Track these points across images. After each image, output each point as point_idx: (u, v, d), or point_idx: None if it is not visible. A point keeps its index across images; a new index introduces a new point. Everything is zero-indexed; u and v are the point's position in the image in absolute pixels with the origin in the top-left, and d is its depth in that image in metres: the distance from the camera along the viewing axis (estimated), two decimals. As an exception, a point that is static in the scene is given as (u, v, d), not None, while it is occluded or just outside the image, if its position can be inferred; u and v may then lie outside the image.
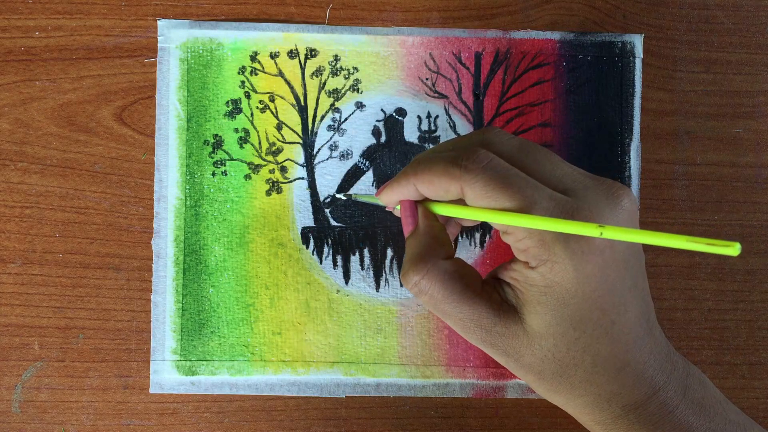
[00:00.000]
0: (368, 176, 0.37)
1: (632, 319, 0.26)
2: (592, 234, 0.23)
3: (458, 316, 0.27)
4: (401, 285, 0.37)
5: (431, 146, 0.37)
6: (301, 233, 0.37)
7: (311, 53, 0.37)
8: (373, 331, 0.37)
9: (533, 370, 0.27)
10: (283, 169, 0.37)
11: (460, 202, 0.28)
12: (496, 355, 0.28)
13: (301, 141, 0.37)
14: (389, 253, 0.37)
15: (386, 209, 0.35)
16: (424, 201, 0.29)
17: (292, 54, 0.37)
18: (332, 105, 0.37)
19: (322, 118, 0.37)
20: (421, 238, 0.29)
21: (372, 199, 0.33)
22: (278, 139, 0.37)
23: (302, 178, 0.37)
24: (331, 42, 0.37)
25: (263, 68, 0.37)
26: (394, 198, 0.30)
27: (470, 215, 0.27)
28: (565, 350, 0.26)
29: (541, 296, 0.26)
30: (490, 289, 0.28)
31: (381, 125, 0.38)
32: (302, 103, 0.37)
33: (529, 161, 0.27)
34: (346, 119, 0.37)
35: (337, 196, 0.37)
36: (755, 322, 0.38)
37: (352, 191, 0.37)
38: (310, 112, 0.37)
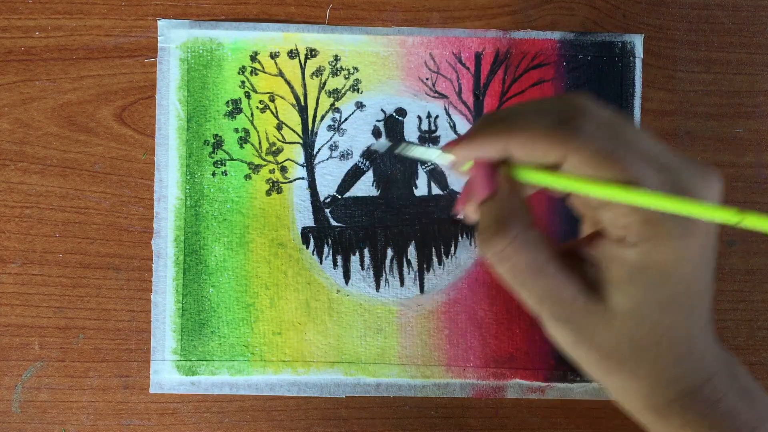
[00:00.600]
0: (368, 176, 0.37)
1: (706, 305, 0.26)
2: (729, 221, 0.21)
3: (537, 289, 0.25)
4: (400, 284, 0.37)
5: (431, 146, 0.37)
6: (302, 233, 0.37)
7: (311, 53, 0.37)
8: (374, 331, 0.37)
9: (602, 350, 0.25)
10: (283, 169, 0.37)
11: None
12: (565, 333, 0.26)
13: (301, 141, 0.37)
14: (389, 253, 0.37)
15: (447, 168, 0.29)
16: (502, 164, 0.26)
17: (292, 54, 0.37)
18: (332, 105, 0.37)
19: (322, 118, 0.37)
20: (505, 202, 0.26)
21: (425, 154, 0.28)
22: (278, 139, 0.37)
23: (302, 178, 0.37)
24: (331, 42, 0.37)
25: (263, 68, 0.37)
26: (472, 155, 0.26)
27: (573, 187, 0.24)
28: (645, 332, 0.25)
29: (635, 274, 0.24)
30: (569, 263, 0.26)
31: (381, 125, 0.37)
32: (302, 103, 0.37)
33: (627, 133, 0.24)
34: (346, 119, 0.37)
35: (373, 148, 0.34)
36: (755, 322, 0.38)
37: (352, 191, 0.37)
38: (310, 112, 0.37)
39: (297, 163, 0.37)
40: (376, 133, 0.37)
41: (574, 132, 0.24)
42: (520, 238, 0.25)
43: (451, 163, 0.27)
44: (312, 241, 0.37)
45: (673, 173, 0.24)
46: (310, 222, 0.37)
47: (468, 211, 0.28)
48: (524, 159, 0.25)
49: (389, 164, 0.37)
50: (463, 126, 0.37)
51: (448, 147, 0.27)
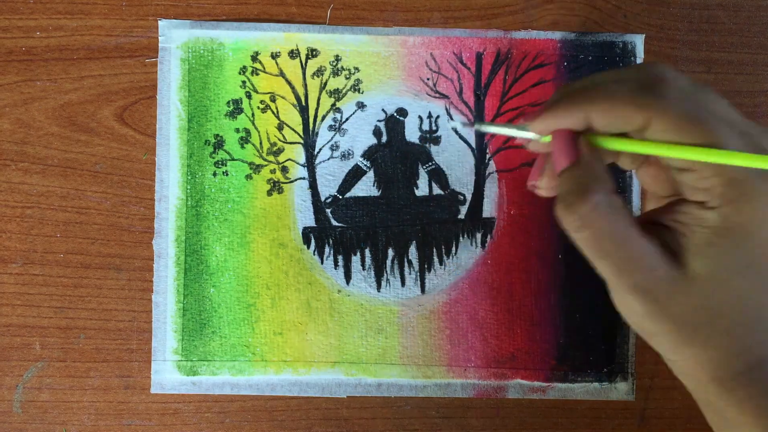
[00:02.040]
0: (369, 176, 0.37)
1: None
2: None
3: (619, 255, 0.25)
4: (401, 285, 0.37)
5: (432, 146, 0.37)
6: (303, 233, 0.37)
7: (312, 53, 0.37)
8: (375, 332, 0.37)
9: (679, 319, 0.25)
10: (284, 169, 0.37)
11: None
12: (641, 303, 0.25)
13: (302, 141, 0.37)
14: (390, 253, 0.37)
15: (522, 141, 0.29)
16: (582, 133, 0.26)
17: (293, 54, 0.37)
18: (333, 105, 0.37)
19: (323, 118, 0.37)
20: (586, 168, 0.26)
21: (502, 129, 0.28)
22: (279, 139, 0.37)
23: (303, 178, 0.37)
24: (332, 42, 0.37)
25: (264, 68, 0.37)
26: (553, 125, 0.26)
27: (657, 151, 0.24)
28: (721, 298, 0.25)
29: (716, 238, 0.24)
30: (648, 231, 0.26)
31: (382, 125, 0.37)
32: (303, 103, 0.37)
33: (707, 99, 0.25)
34: (347, 119, 0.37)
35: (451, 124, 0.33)
36: (756, 322, 0.38)
37: (352, 191, 0.37)
38: (311, 112, 0.37)
39: (298, 163, 0.37)
40: (377, 132, 0.37)
41: (656, 97, 0.24)
42: (604, 203, 0.25)
43: (532, 138, 0.27)
44: (313, 241, 0.37)
45: (754, 137, 0.24)
46: (311, 222, 0.37)
47: (542, 183, 0.28)
48: (607, 127, 0.25)
49: (390, 164, 0.37)
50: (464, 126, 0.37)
51: (529, 120, 0.27)
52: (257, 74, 0.37)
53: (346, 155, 0.37)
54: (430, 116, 0.37)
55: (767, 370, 0.26)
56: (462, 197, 0.37)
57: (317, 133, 0.37)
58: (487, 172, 0.37)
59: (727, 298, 0.25)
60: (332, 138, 0.37)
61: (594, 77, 0.27)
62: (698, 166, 0.24)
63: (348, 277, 0.37)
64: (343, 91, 0.37)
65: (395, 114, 0.37)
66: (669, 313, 0.26)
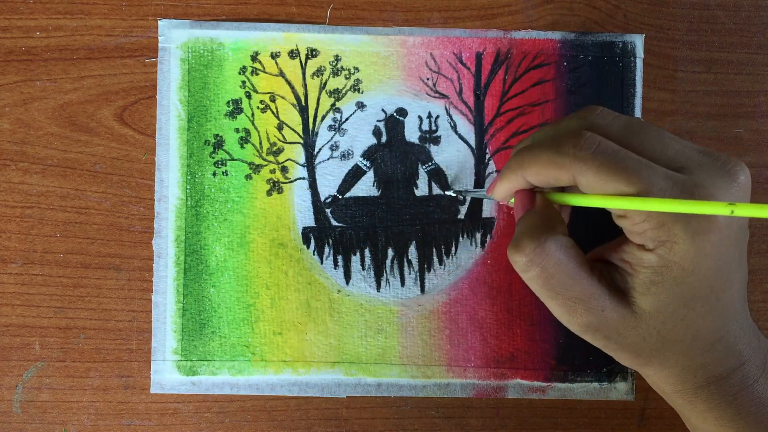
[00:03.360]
0: (369, 176, 0.37)
1: (734, 295, 0.26)
2: (722, 213, 0.23)
3: (566, 295, 0.26)
4: (401, 285, 0.37)
5: (432, 146, 0.37)
6: (302, 233, 0.37)
7: (312, 53, 0.37)
8: (374, 331, 0.37)
9: (632, 348, 0.27)
10: (284, 169, 0.37)
11: (574, 189, 0.27)
12: (596, 339, 0.27)
13: (301, 141, 0.37)
14: (390, 253, 0.37)
15: (501, 203, 0.35)
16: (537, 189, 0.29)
17: (293, 54, 0.37)
18: (333, 105, 0.37)
19: (323, 118, 0.37)
20: (538, 213, 0.28)
21: (484, 196, 0.34)
22: (279, 139, 0.37)
23: (303, 178, 0.37)
24: (331, 42, 0.37)
25: (264, 68, 0.37)
26: (507, 192, 0.29)
27: (586, 202, 0.26)
28: (671, 327, 0.26)
29: (657, 276, 0.25)
30: (597, 272, 0.27)
31: (382, 125, 0.38)
32: (303, 103, 0.37)
33: (639, 141, 0.26)
34: (346, 119, 0.37)
35: (447, 193, 0.37)
36: (755, 322, 0.38)
37: (352, 191, 0.37)
38: (311, 112, 0.37)
39: (298, 163, 0.37)
40: (376, 133, 0.37)
41: (573, 157, 0.25)
42: (551, 242, 0.26)
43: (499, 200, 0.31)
44: (313, 241, 0.37)
45: (688, 173, 0.25)
46: (310, 222, 0.37)
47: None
48: (546, 185, 0.27)
49: (390, 164, 0.37)
50: (464, 126, 0.37)
51: (490, 190, 0.31)
52: (257, 74, 0.37)
53: (345, 155, 0.37)
54: (429, 116, 0.37)
55: (730, 382, 0.27)
56: (462, 197, 0.37)
57: (317, 133, 0.37)
58: (486, 172, 0.37)
59: (675, 328, 0.26)
60: (332, 138, 0.37)
61: (535, 134, 0.29)
62: (630, 213, 0.25)
63: (348, 277, 0.37)
64: (343, 91, 0.37)
65: (395, 114, 0.37)
66: (623, 344, 0.27)
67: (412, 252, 0.37)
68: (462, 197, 0.37)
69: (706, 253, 0.25)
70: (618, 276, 0.27)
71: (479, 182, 0.37)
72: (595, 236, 0.37)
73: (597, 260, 0.28)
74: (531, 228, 0.27)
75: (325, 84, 0.37)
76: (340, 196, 0.37)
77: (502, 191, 0.29)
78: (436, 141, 0.37)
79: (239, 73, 0.37)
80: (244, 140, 0.37)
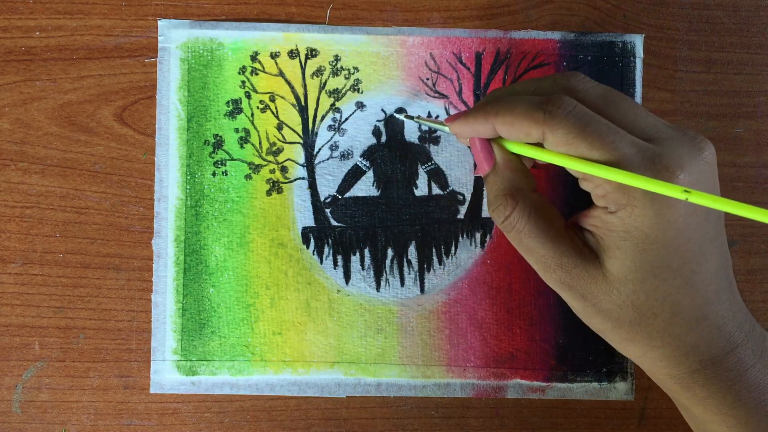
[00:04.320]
0: (369, 176, 0.37)
1: (712, 271, 0.26)
2: (677, 197, 0.23)
3: (540, 253, 0.27)
4: (401, 284, 0.37)
5: (431, 146, 0.37)
6: (302, 233, 0.37)
7: (312, 53, 0.37)
8: (374, 331, 0.37)
9: (611, 316, 0.27)
10: (284, 169, 0.37)
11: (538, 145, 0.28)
12: (573, 298, 0.28)
13: (301, 141, 0.37)
14: (390, 253, 0.37)
15: (457, 139, 0.34)
16: (498, 139, 0.29)
17: (293, 54, 0.37)
18: (333, 105, 0.37)
19: (323, 118, 0.37)
20: (504, 172, 0.29)
21: (438, 125, 0.33)
22: (279, 139, 0.37)
23: (303, 178, 0.37)
24: (331, 42, 0.37)
25: (264, 68, 0.37)
26: (467, 132, 0.29)
27: (548, 158, 0.27)
28: (644, 297, 0.26)
29: (621, 241, 0.26)
30: (572, 232, 0.28)
31: (381, 125, 0.38)
32: (303, 103, 0.37)
33: (613, 110, 0.26)
34: (346, 119, 0.37)
35: (398, 116, 0.36)
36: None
37: (352, 191, 0.37)
38: (311, 112, 0.37)
39: (297, 163, 0.37)
40: (376, 132, 0.37)
41: (550, 114, 0.26)
42: (522, 203, 0.28)
43: (454, 134, 0.31)
44: (312, 241, 0.37)
45: (655, 143, 0.25)
46: (310, 222, 0.37)
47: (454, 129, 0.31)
48: (511, 138, 0.28)
49: (390, 164, 0.37)
50: (464, 126, 0.37)
51: (449, 120, 0.30)
52: (257, 74, 0.37)
53: (345, 155, 0.37)
54: (429, 116, 0.37)
55: (725, 366, 0.27)
56: (461, 197, 0.37)
57: (317, 133, 0.37)
58: (486, 172, 0.37)
59: (649, 298, 0.26)
60: (331, 138, 0.37)
61: (515, 86, 0.29)
62: (591, 176, 0.26)
63: (347, 276, 0.37)
64: (343, 91, 0.37)
65: (395, 114, 0.37)
66: (600, 309, 0.27)
67: (412, 252, 0.37)
68: (417, 123, 0.36)
69: (669, 221, 0.25)
70: (591, 239, 0.27)
71: (479, 182, 0.37)
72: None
73: (573, 225, 0.29)
74: (502, 191, 0.28)
75: (325, 84, 0.37)
76: (340, 196, 0.37)
77: (465, 130, 0.29)
78: (436, 141, 0.37)
79: (239, 73, 0.37)
80: (243, 140, 0.37)
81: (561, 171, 0.37)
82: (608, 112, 0.26)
